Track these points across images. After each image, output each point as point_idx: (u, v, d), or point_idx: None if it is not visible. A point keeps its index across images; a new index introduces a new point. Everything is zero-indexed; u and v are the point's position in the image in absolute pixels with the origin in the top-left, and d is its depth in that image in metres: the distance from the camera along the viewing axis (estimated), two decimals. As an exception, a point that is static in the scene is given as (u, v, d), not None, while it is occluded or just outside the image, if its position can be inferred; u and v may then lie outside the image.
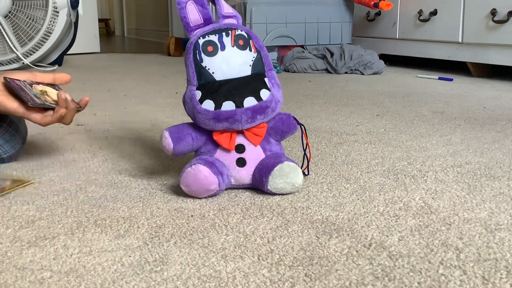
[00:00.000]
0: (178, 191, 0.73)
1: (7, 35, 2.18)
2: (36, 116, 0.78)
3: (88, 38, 3.11)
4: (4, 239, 0.58)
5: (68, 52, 2.42)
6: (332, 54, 2.23)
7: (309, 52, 2.29)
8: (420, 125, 1.19)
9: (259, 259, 0.53)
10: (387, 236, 0.59)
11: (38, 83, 0.80)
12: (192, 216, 0.65)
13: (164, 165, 0.87)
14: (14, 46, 2.20)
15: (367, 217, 0.64)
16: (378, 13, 2.52)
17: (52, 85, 0.82)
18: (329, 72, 2.21)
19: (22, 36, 2.21)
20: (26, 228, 0.61)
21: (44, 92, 0.78)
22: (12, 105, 0.77)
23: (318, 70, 2.22)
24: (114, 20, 5.90)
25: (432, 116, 1.31)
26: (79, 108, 0.82)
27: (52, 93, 0.80)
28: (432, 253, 0.54)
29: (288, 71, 2.24)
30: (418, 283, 0.48)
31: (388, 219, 0.64)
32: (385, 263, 0.52)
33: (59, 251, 0.55)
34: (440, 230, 0.60)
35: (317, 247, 0.56)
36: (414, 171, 0.84)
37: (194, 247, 0.56)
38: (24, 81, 0.79)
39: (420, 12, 2.27)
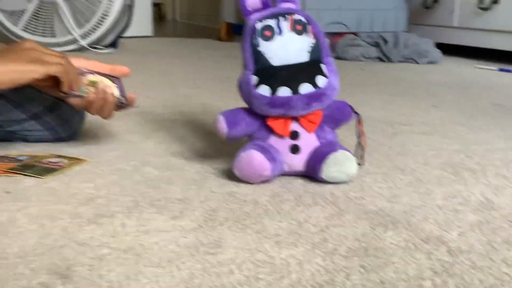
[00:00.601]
0: (230, 175, 0.73)
1: (66, 17, 2.25)
2: (72, 99, 0.80)
3: (142, 22, 3.16)
4: (64, 215, 0.60)
5: (122, 35, 2.46)
6: (386, 42, 2.18)
7: (362, 40, 2.25)
8: (479, 118, 1.15)
9: (313, 248, 0.53)
10: (446, 231, 0.57)
11: (94, 73, 0.80)
12: (245, 201, 0.65)
13: (216, 149, 0.87)
14: (72, 27, 2.26)
15: (425, 210, 0.63)
16: (436, 0, 2.44)
17: (111, 76, 0.82)
18: (382, 60, 2.16)
19: (79, 18, 2.26)
20: (85, 205, 0.63)
21: (93, 83, 0.79)
22: (52, 91, 0.80)
23: (370, 58, 2.18)
24: (166, 4, 5.97)
25: (492, 108, 1.26)
26: (127, 104, 0.83)
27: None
28: (494, 250, 0.52)
29: (340, 59, 2.20)
30: (480, 280, 0.46)
31: (446, 213, 0.62)
32: (444, 258, 0.51)
33: (117, 229, 0.56)
34: (502, 227, 0.58)
35: (372, 239, 0.55)
36: (473, 165, 0.81)
37: (248, 232, 0.56)
38: (78, 69, 0.79)
39: (481, 0, 2.18)
